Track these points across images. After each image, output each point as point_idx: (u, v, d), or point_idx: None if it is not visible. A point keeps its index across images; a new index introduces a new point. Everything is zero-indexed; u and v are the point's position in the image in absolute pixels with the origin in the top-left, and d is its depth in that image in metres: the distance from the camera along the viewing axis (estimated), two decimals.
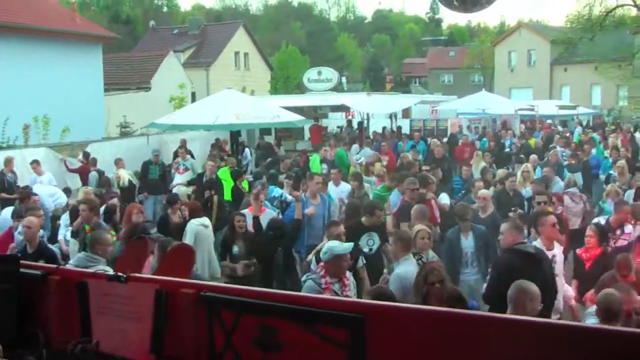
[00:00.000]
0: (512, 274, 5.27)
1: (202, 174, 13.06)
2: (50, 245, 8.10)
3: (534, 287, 4.57)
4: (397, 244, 6.25)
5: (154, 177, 14.48)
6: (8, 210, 9.67)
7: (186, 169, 14.59)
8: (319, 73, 28.76)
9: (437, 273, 5.17)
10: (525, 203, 10.11)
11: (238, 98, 18.15)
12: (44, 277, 2.14)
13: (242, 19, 53.58)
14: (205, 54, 43.07)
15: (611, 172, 13.01)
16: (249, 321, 1.77)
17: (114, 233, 8.15)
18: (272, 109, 17.69)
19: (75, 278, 2.12)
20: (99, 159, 14.70)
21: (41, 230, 7.89)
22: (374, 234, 7.63)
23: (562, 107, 33.63)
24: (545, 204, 8.73)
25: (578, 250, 7.54)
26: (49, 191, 11.93)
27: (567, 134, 23.43)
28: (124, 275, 1.98)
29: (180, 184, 14.11)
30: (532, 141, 19.86)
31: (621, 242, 8.07)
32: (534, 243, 6.51)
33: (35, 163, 13.40)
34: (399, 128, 24.38)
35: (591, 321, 4.79)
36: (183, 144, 16.41)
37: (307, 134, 23.41)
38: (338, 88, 31.26)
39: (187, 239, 8.18)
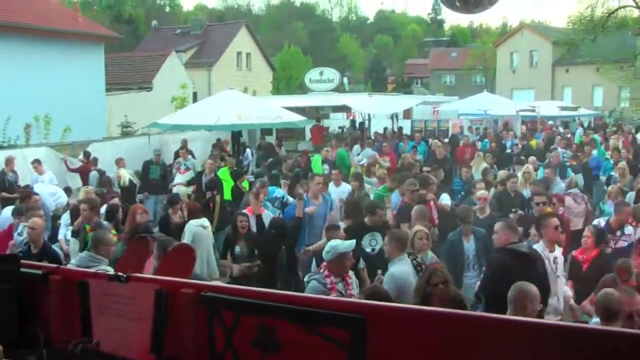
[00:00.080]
0: (505, 273, 5.28)
1: (201, 172, 13.12)
2: (53, 246, 8.12)
3: (533, 288, 4.57)
4: (391, 244, 6.24)
5: (154, 177, 14.51)
6: (9, 210, 9.69)
7: (187, 169, 14.62)
8: (321, 73, 28.75)
9: (441, 274, 5.17)
10: (527, 204, 10.11)
11: (240, 98, 18.16)
12: (44, 277, 2.14)
13: (244, 19, 53.64)
14: (207, 54, 43.12)
15: (612, 173, 13.00)
16: (249, 321, 1.78)
17: (114, 232, 8.15)
18: (274, 110, 17.70)
19: (76, 278, 2.13)
20: (100, 158, 14.72)
21: None
22: (377, 234, 7.61)
23: (563, 108, 33.60)
24: (545, 204, 8.70)
25: (574, 252, 7.51)
26: (50, 190, 11.95)
27: (569, 135, 23.41)
28: (125, 275, 1.98)
29: (179, 183, 14.14)
30: (533, 142, 19.87)
31: (621, 244, 8.07)
32: (536, 245, 6.50)
33: (36, 162, 13.43)
34: (400, 129, 24.36)
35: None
36: (184, 144, 16.44)
37: (308, 135, 23.40)
38: (340, 89, 31.27)
39: (186, 240, 8.17)
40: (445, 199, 9.73)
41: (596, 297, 5.11)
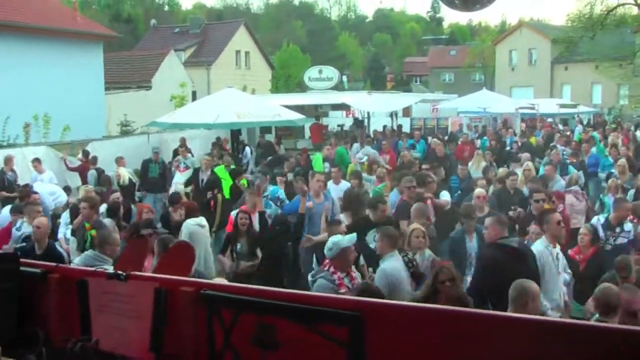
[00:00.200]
0: (495, 267, 5.28)
1: (198, 169, 13.16)
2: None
3: (534, 286, 4.58)
4: (383, 241, 6.24)
5: (153, 176, 14.52)
6: (8, 209, 9.68)
7: (186, 168, 14.63)
8: (320, 72, 28.76)
9: (447, 271, 5.20)
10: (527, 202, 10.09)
11: (239, 97, 18.17)
12: (44, 275, 2.14)
13: (243, 18, 53.66)
14: (206, 53, 43.10)
15: (612, 170, 13.00)
16: (248, 319, 1.78)
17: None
18: (273, 108, 17.71)
19: (75, 276, 2.13)
20: (99, 157, 14.72)
21: None
22: None
23: (562, 106, 33.58)
24: (544, 201, 8.70)
25: (570, 252, 7.49)
26: (50, 189, 11.95)
27: (568, 133, 23.39)
28: (124, 274, 1.98)
29: (177, 183, 14.14)
30: (533, 140, 19.87)
31: (621, 240, 8.08)
32: (538, 241, 6.48)
33: (36, 161, 13.43)
34: (400, 127, 24.35)
35: None
36: (183, 142, 16.43)
37: (307, 133, 23.41)
38: (339, 87, 31.26)
39: (182, 239, 8.17)
40: (445, 196, 9.73)
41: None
